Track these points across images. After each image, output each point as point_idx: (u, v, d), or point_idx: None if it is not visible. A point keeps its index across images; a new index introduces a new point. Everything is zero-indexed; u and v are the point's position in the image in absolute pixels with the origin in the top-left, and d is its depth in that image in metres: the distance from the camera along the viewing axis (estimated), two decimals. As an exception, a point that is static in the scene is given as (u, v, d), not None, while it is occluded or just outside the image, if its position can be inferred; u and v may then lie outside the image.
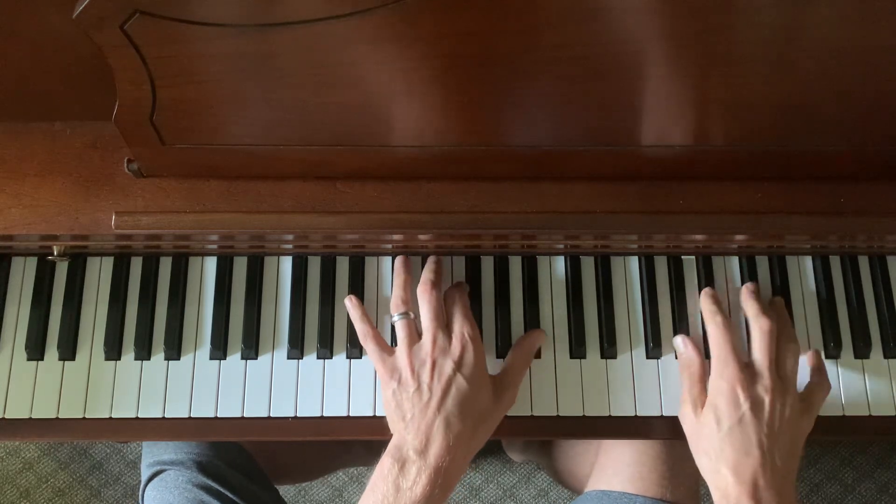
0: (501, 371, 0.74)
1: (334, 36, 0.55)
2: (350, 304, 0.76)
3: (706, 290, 0.77)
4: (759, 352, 0.71)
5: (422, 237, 0.73)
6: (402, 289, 0.74)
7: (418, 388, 0.68)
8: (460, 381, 0.68)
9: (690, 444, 0.71)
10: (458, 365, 0.69)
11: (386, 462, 0.67)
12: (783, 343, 0.73)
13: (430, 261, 0.76)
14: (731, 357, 0.70)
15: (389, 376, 0.70)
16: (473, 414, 0.68)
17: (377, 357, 0.72)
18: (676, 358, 0.77)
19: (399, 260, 0.77)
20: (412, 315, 0.73)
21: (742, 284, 0.78)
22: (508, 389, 0.72)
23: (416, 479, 0.65)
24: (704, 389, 0.72)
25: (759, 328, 0.72)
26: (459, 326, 0.71)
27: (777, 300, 0.78)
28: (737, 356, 0.70)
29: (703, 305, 0.76)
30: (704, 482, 0.71)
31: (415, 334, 0.72)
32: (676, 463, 0.81)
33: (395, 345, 0.72)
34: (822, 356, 0.77)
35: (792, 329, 0.76)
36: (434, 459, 0.66)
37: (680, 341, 0.76)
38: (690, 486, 0.82)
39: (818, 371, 0.75)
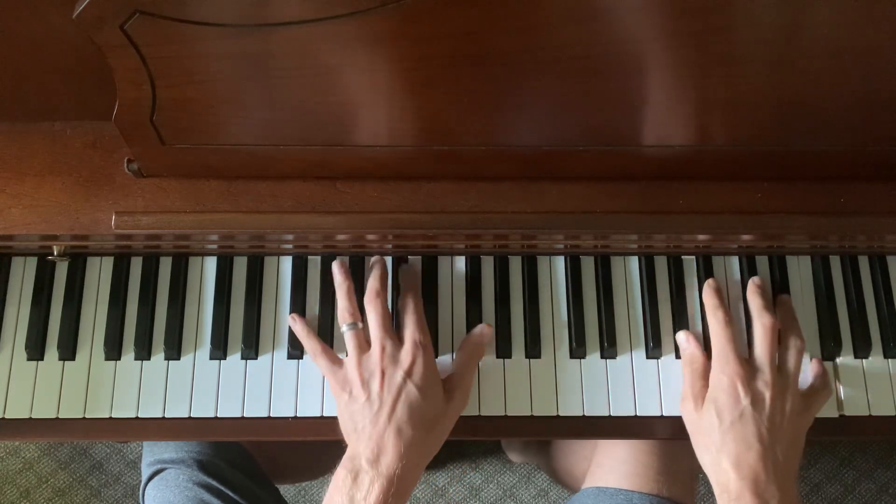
0: (451, 373, 0.74)
1: (334, 36, 0.55)
2: (293, 323, 0.75)
3: (709, 283, 0.77)
4: (760, 348, 0.71)
5: (417, 237, 0.73)
6: (346, 299, 0.74)
7: (368, 398, 0.68)
8: (410, 389, 0.68)
9: (692, 438, 0.71)
10: (409, 373, 0.69)
11: (340, 474, 0.67)
12: (788, 340, 0.73)
13: (375, 268, 0.75)
14: (732, 353, 0.71)
15: (341, 388, 0.70)
16: (425, 420, 0.68)
17: (328, 370, 0.72)
18: (677, 357, 0.77)
19: (335, 266, 0.76)
20: (360, 325, 0.72)
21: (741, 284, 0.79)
22: (458, 390, 0.72)
23: (370, 490, 0.65)
24: (706, 385, 0.72)
25: (761, 325, 0.72)
26: (410, 334, 0.71)
27: (785, 298, 0.78)
28: (737, 352, 0.71)
29: (706, 298, 0.76)
30: (703, 479, 0.71)
31: (364, 344, 0.72)
32: (672, 460, 0.81)
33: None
34: (821, 358, 0.77)
35: (798, 326, 0.76)
36: (386, 468, 0.66)
37: (683, 337, 0.76)
38: (686, 482, 0.82)
39: (821, 376, 0.76)
